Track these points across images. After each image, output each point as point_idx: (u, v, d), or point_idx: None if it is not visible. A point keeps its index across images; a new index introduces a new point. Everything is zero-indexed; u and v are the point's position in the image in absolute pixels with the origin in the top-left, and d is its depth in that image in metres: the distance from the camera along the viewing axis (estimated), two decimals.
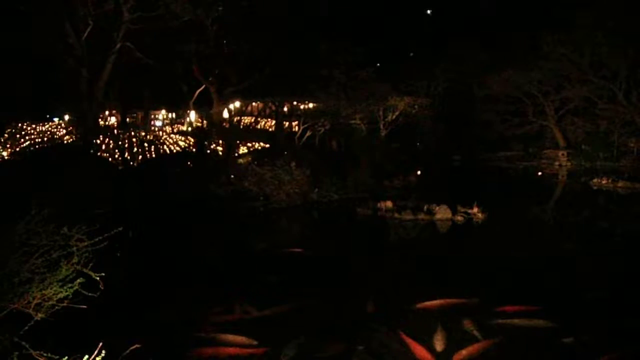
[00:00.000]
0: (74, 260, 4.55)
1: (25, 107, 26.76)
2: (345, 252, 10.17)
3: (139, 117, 36.57)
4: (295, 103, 32.26)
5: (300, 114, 29.62)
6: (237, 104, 31.25)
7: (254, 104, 36.26)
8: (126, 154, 20.63)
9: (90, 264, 4.61)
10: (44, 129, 29.29)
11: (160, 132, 30.94)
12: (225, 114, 30.01)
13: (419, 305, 6.68)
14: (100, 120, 28.57)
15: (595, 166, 26.30)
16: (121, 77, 24.57)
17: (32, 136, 25.78)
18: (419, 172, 21.62)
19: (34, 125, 29.31)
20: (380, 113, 30.63)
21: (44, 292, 4.30)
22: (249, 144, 24.44)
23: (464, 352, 5.34)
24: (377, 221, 13.13)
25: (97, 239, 4.86)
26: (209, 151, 22.01)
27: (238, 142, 24.31)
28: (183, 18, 21.17)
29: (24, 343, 3.89)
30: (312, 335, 5.76)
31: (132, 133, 27.19)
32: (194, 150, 22.41)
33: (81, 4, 18.79)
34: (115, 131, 27.88)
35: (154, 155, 20.93)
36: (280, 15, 26.11)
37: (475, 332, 5.83)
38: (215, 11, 23.52)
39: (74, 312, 4.45)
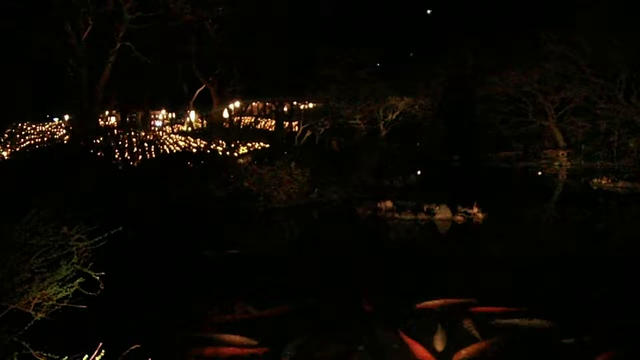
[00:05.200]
0: (73, 260, 4.55)
1: (25, 107, 26.77)
2: (344, 252, 10.16)
3: (139, 117, 36.58)
4: (295, 103, 32.27)
5: (300, 114, 29.62)
6: (237, 104, 31.27)
7: (254, 104, 36.30)
8: (126, 154, 20.63)
9: (90, 264, 4.62)
10: (44, 129, 29.31)
11: (160, 132, 30.96)
12: (225, 114, 30.04)
13: (419, 305, 6.68)
14: (100, 120, 28.57)
15: (595, 166, 26.28)
16: (121, 77, 24.58)
17: (32, 136, 25.80)
18: (419, 172, 21.60)
19: (34, 125, 29.34)
20: (380, 113, 30.67)
21: (44, 292, 4.30)
22: (249, 144, 24.45)
23: (463, 352, 5.34)
24: (377, 221, 13.13)
25: (97, 239, 4.86)
26: (209, 151, 22.02)
27: (238, 142, 24.33)
28: (183, 18, 21.17)
29: (24, 343, 3.89)
30: (312, 335, 5.76)
31: (132, 133, 27.22)
32: (194, 150, 22.41)
33: (81, 4, 18.79)
34: (115, 131, 27.89)
35: (154, 155, 20.94)
36: (281, 16, 26.14)
37: (475, 332, 5.83)
38: (216, 11, 23.53)
39: (74, 312, 4.45)
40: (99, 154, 18.94)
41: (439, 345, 5.49)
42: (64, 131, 27.89)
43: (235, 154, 21.47)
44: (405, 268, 8.87)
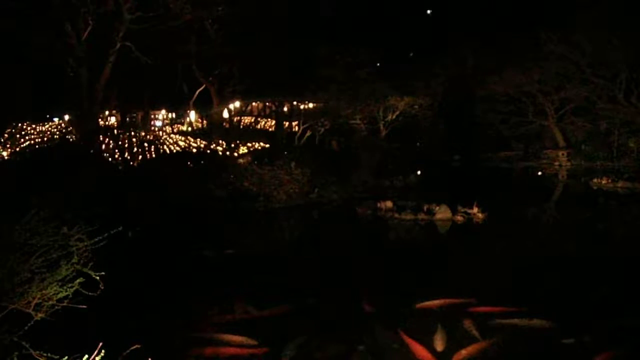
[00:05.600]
0: (73, 260, 4.54)
1: (25, 107, 26.74)
2: (344, 252, 10.17)
3: (139, 117, 36.56)
4: (295, 103, 32.26)
5: (300, 114, 29.63)
6: (237, 104, 31.26)
7: (254, 104, 36.28)
8: (126, 154, 20.63)
9: (90, 264, 4.61)
10: (44, 129, 29.32)
11: (160, 132, 30.95)
12: (225, 114, 30.03)
13: (419, 305, 6.68)
14: (100, 120, 28.57)
15: (595, 166, 26.29)
16: (121, 77, 24.58)
17: (32, 136, 25.79)
18: (419, 172, 21.60)
19: (34, 125, 29.34)
20: (380, 113, 30.68)
21: (44, 292, 4.30)
22: (249, 144, 24.44)
23: (464, 352, 5.34)
24: (377, 221, 13.13)
25: (97, 239, 4.85)
26: (209, 151, 22.02)
27: (238, 142, 24.32)
28: (183, 18, 21.15)
29: (24, 343, 3.89)
30: (312, 335, 5.76)
31: (132, 133, 27.21)
32: (194, 150, 22.41)
33: (81, 4, 18.77)
34: (115, 131, 27.89)
35: (154, 155, 20.93)
36: (281, 16, 26.13)
37: (475, 332, 5.83)
38: (216, 11, 23.52)
39: (74, 312, 4.45)
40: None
41: (439, 345, 5.49)
42: (64, 131, 27.89)
43: (235, 154, 21.47)
44: (405, 268, 8.87)
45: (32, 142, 23.63)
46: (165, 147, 23.44)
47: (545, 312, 6.33)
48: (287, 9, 26.91)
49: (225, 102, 29.25)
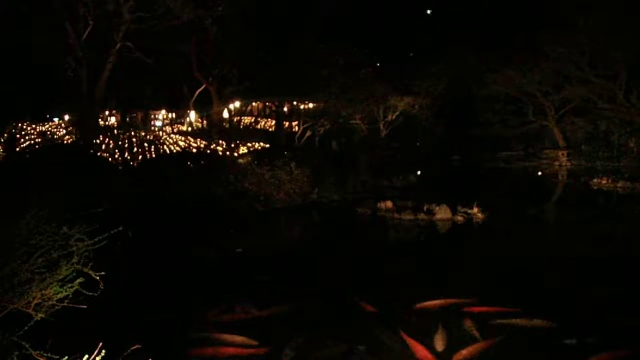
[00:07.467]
0: (73, 260, 4.54)
1: (25, 107, 26.75)
2: (344, 252, 10.16)
3: (139, 117, 36.56)
4: (295, 103, 32.28)
5: (300, 114, 29.64)
6: (237, 104, 31.28)
7: (254, 104, 36.32)
8: (126, 154, 20.63)
9: (90, 264, 4.61)
10: (44, 129, 29.32)
11: (160, 132, 30.97)
12: (225, 114, 30.05)
13: (419, 305, 6.67)
14: (100, 120, 28.59)
15: (595, 166, 26.28)
16: (121, 77, 24.57)
17: (32, 136, 25.79)
18: (419, 172, 21.61)
19: (34, 125, 29.35)
20: (380, 113, 30.71)
21: (44, 292, 4.30)
22: (249, 144, 24.45)
23: (464, 352, 5.34)
24: (377, 221, 13.13)
25: (97, 239, 4.85)
26: (209, 151, 22.02)
27: (238, 142, 24.33)
28: (183, 18, 21.16)
29: (24, 343, 3.89)
30: (312, 335, 5.76)
31: (132, 133, 27.23)
32: (194, 150, 22.41)
33: (81, 4, 18.78)
34: (115, 131, 27.91)
35: (154, 155, 20.93)
36: (281, 15, 26.18)
37: (475, 332, 5.83)
38: (216, 11, 23.54)
39: (74, 312, 4.45)
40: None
41: (439, 345, 5.49)
42: (64, 131, 27.90)
43: (235, 154, 21.46)
44: (405, 268, 8.87)
45: (32, 142, 23.62)
46: (165, 147, 23.44)
47: (546, 312, 6.33)
48: (287, 9, 26.96)
49: (225, 102, 29.26)
